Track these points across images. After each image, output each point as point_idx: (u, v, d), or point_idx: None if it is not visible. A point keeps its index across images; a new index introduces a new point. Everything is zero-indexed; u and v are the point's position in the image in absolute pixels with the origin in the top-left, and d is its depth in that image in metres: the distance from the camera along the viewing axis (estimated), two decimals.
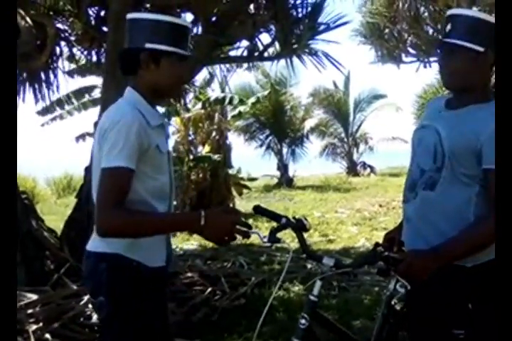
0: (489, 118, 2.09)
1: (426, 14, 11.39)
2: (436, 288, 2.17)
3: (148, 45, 2.11)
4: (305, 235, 2.34)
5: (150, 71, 2.13)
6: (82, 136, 12.10)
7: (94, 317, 4.11)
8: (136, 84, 2.17)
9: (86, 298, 4.24)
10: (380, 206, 12.10)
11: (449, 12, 2.27)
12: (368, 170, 22.59)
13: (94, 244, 2.15)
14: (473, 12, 2.33)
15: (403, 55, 12.63)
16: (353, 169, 22.22)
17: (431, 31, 11.67)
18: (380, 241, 2.55)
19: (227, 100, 11.31)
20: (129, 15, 2.19)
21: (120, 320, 2.11)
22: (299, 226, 2.28)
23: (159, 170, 2.16)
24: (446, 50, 2.23)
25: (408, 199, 2.33)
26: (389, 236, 2.57)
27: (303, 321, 2.17)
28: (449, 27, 2.20)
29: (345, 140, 22.56)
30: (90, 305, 4.21)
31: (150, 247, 2.14)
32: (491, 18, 2.19)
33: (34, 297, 4.26)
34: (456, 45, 2.17)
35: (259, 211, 2.38)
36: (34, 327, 3.81)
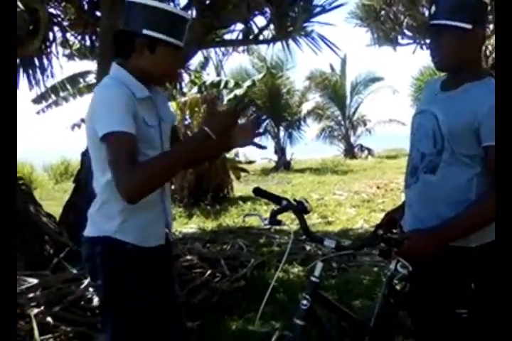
0: (484, 95, 2.09)
1: None
2: (439, 268, 2.17)
3: (145, 31, 2.08)
4: (305, 217, 2.35)
5: (144, 57, 2.12)
6: (77, 125, 12.10)
7: (95, 301, 4.14)
8: (126, 65, 2.15)
9: (86, 281, 4.26)
10: (378, 188, 12.11)
11: None
12: (366, 152, 22.60)
13: (88, 229, 2.17)
14: None
15: (399, 37, 12.60)
16: (350, 152, 22.22)
17: (427, 13, 11.60)
18: (379, 222, 2.55)
19: (222, 84, 11.27)
20: None
21: (116, 302, 2.12)
22: (300, 209, 2.28)
23: (149, 144, 2.11)
24: (434, 32, 2.21)
25: (409, 185, 2.32)
26: (389, 216, 2.57)
27: (304, 302, 2.18)
28: (433, 9, 2.18)
29: (342, 123, 22.53)
30: (90, 289, 4.25)
31: (144, 227, 2.13)
32: None
33: (34, 281, 4.27)
34: (443, 25, 2.15)
35: (259, 193, 2.38)
36: (36, 310, 3.81)
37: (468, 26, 2.12)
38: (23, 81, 6.44)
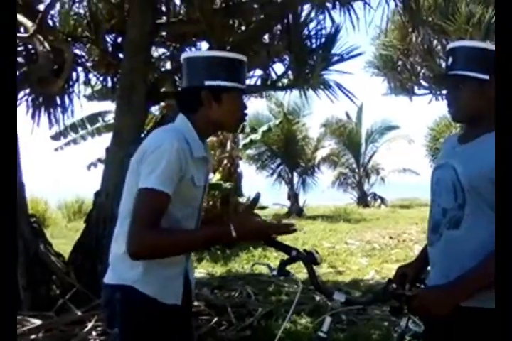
0: None
1: (439, 47, 11.49)
2: (456, 329, 2.07)
3: (207, 83, 2.13)
4: (314, 266, 2.30)
5: (212, 108, 2.16)
6: (93, 164, 12.24)
7: None
8: (195, 120, 2.18)
9: (90, 324, 4.21)
10: (391, 238, 11.99)
11: (449, 45, 2.25)
12: (379, 201, 22.49)
13: (109, 276, 2.16)
14: (473, 42, 2.28)
15: (416, 88, 12.73)
16: (363, 200, 22.14)
17: (444, 64, 11.75)
18: (390, 273, 2.49)
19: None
20: (185, 55, 2.24)
21: None
22: (310, 260, 2.23)
23: (187, 202, 2.14)
24: (451, 83, 2.20)
25: (432, 242, 2.24)
26: (401, 271, 2.47)
27: None
28: (450, 60, 2.19)
29: (357, 170, 22.55)
30: (94, 332, 4.18)
31: (163, 283, 2.11)
32: (493, 46, 2.14)
33: (38, 322, 4.24)
34: (460, 76, 2.14)
35: (269, 242, 2.31)
36: None
37: (486, 77, 2.11)
38: (43, 118, 6.58)
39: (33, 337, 4.01)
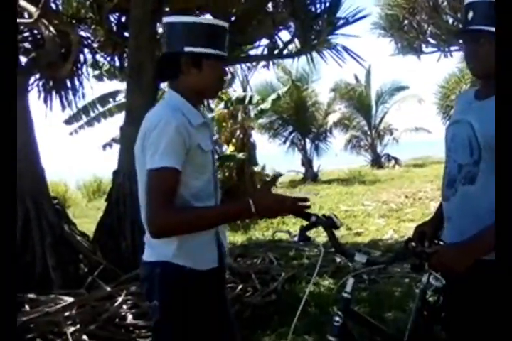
0: None
1: (445, 4, 11.30)
2: (474, 282, 2.12)
3: (187, 49, 2.09)
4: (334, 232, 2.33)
5: (192, 75, 2.12)
6: (108, 144, 12.36)
7: (129, 318, 4.21)
8: (177, 87, 2.16)
9: (120, 299, 4.33)
10: (406, 197, 12.03)
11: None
12: (393, 161, 22.44)
13: (147, 253, 2.20)
14: None
15: (423, 46, 12.58)
16: (377, 161, 22.10)
17: (451, 20, 11.59)
18: (408, 232, 2.53)
19: (247, 99, 11.38)
20: (166, 19, 2.17)
21: (171, 325, 2.14)
22: (329, 224, 2.25)
23: (202, 169, 2.15)
24: (471, 37, 2.17)
25: (447, 197, 2.25)
26: (419, 229, 2.50)
27: (337, 318, 2.17)
28: (470, 15, 2.15)
29: (369, 133, 22.45)
30: (124, 306, 4.31)
31: (199, 251, 2.15)
32: None
33: (70, 300, 4.35)
34: (481, 30, 2.11)
35: None
36: (72, 329, 3.90)
37: None
38: (55, 102, 6.65)
39: (66, 313, 4.12)
